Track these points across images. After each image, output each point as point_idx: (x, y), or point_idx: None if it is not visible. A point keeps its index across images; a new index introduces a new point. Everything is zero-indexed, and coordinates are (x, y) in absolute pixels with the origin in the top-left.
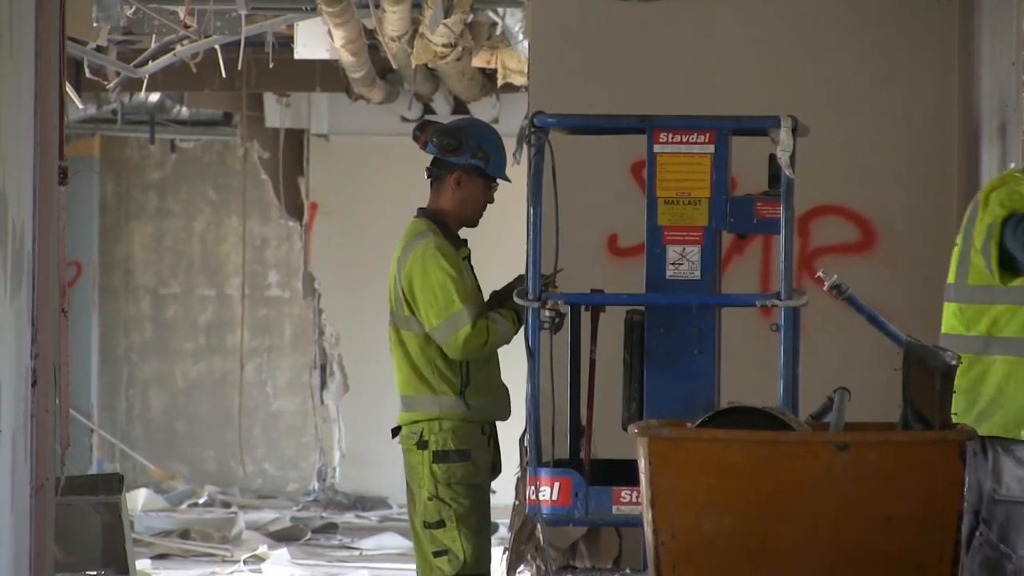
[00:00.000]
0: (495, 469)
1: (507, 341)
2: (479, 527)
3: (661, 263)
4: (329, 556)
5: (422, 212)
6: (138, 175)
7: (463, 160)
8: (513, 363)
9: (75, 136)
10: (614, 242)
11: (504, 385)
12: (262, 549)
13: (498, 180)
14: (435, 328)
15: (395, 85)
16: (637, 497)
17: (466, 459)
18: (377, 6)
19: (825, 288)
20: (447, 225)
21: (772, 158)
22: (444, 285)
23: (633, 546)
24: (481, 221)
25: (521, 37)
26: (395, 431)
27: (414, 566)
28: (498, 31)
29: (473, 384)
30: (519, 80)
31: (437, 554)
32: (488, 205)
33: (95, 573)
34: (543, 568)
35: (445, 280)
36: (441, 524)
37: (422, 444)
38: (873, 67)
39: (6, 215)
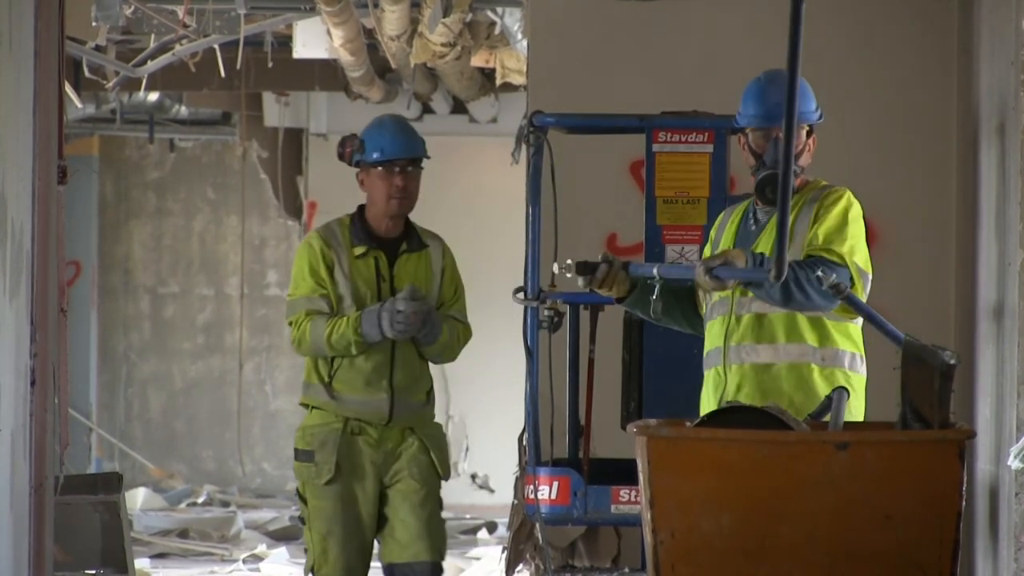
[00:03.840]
0: (445, 476)
1: (325, 344)
2: (328, 529)
3: (660, 262)
4: None
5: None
6: (137, 174)
7: (353, 163)
8: (512, 362)
9: (74, 135)
10: (613, 241)
11: (385, 389)
12: (261, 548)
13: (400, 160)
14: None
15: (394, 84)
16: (636, 496)
17: (309, 460)
18: (376, 5)
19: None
20: (365, 217)
21: None
22: (298, 272)
23: (632, 545)
24: (480, 219)
25: (520, 36)
26: None
27: None
28: (497, 30)
29: (338, 377)
30: (518, 79)
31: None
32: (402, 189)
33: (94, 572)
34: (542, 567)
35: (300, 270)
36: (303, 521)
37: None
38: (872, 66)
39: (5, 214)
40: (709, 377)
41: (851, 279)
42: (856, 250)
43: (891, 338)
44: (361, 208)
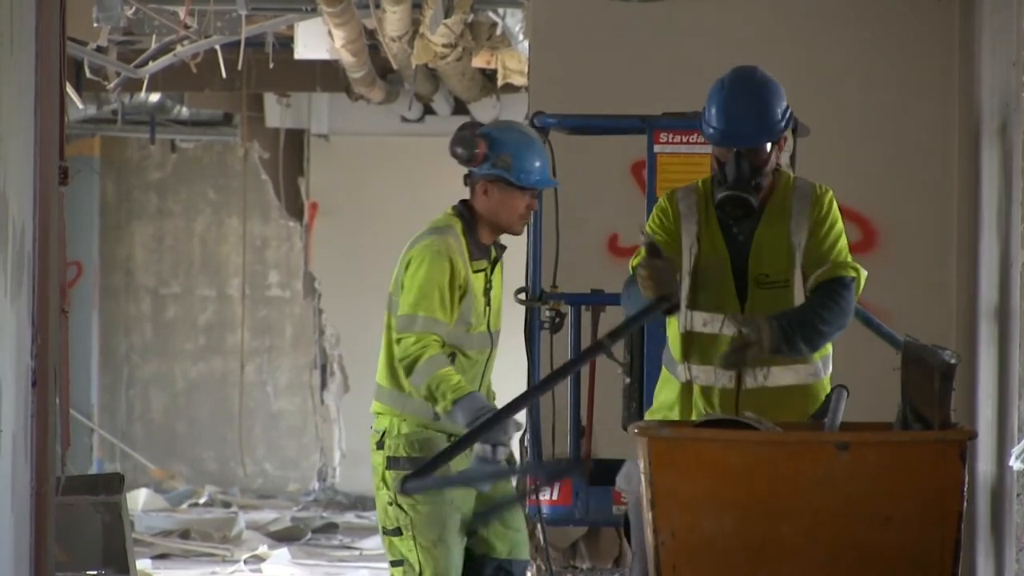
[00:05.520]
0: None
1: (424, 387)
2: (439, 538)
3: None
4: (329, 556)
5: (462, 204)
6: (138, 175)
7: (483, 171)
8: (513, 362)
9: (75, 136)
10: (614, 242)
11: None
12: (262, 549)
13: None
14: (399, 316)
15: (395, 85)
16: None
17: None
18: (377, 6)
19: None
20: (476, 227)
21: None
22: (430, 286)
23: None
24: None
25: (521, 37)
26: None
27: None
28: (498, 31)
29: None
30: (519, 80)
31: (394, 563)
32: (532, 212)
33: (95, 573)
34: (543, 568)
35: (434, 286)
36: (398, 532)
37: (380, 445)
38: (873, 67)
39: (6, 215)
40: (700, 393)
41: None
42: (848, 249)
43: (888, 341)
44: (466, 214)
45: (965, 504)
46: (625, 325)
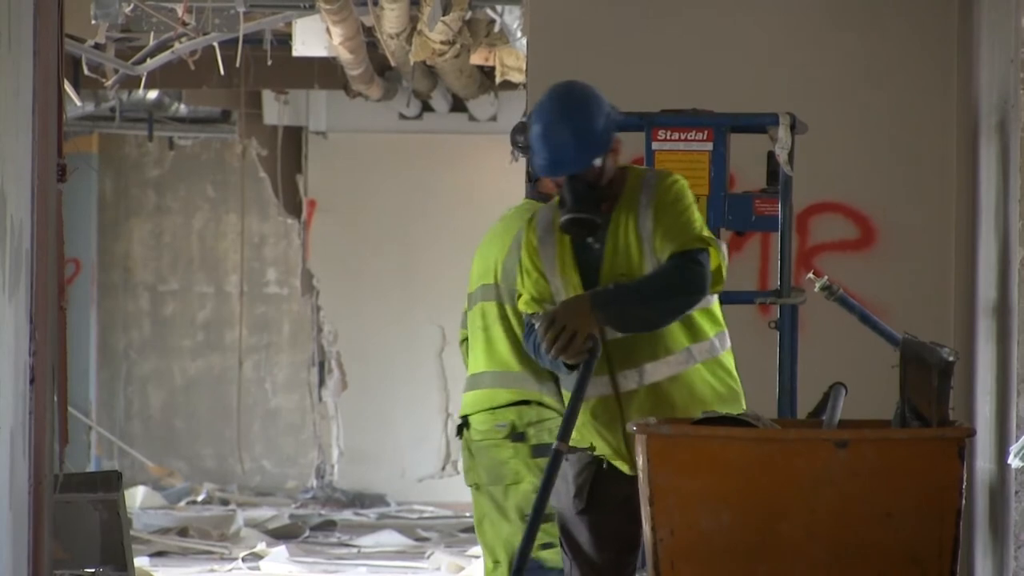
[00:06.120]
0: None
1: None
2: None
3: None
4: (327, 553)
5: (535, 195)
6: (137, 172)
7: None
8: None
9: (73, 133)
10: None
11: None
12: (260, 546)
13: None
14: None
15: (393, 82)
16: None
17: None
18: (375, 3)
19: (815, 291)
20: None
21: (770, 155)
22: None
23: None
24: (479, 218)
25: (519, 34)
26: (460, 427)
27: (412, 563)
28: (496, 28)
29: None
30: (517, 77)
31: (545, 546)
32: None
33: (93, 570)
34: None
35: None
36: (551, 517)
37: (517, 437)
38: (872, 64)
39: (5, 212)
40: (586, 407)
41: (709, 253)
42: (703, 224)
43: (886, 338)
44: (538, 194)
45: (964, 502)
46: (571, 413)
